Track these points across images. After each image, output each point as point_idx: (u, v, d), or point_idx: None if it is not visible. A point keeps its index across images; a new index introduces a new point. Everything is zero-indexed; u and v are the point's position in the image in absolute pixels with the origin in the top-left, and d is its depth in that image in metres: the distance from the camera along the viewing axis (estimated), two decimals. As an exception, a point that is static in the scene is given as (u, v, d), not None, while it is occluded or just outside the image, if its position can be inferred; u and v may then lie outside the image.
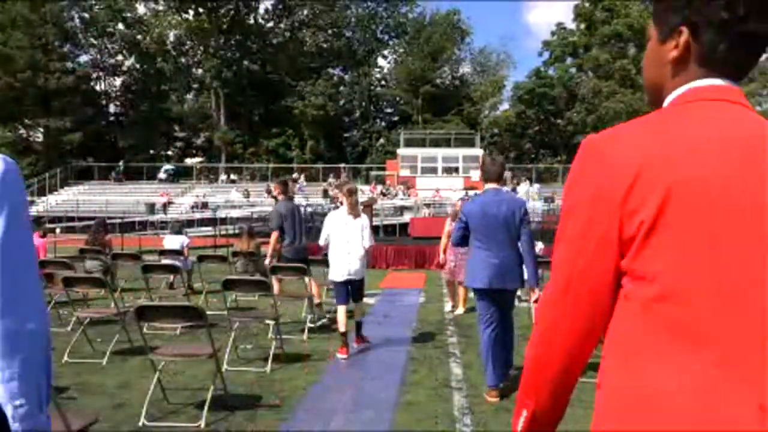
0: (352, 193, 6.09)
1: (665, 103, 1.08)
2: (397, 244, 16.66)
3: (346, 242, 5.93)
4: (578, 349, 1.07)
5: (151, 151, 43.67)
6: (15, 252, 1.26)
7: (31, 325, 1.28)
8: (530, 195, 25.88)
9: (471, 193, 21.66)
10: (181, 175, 36.40)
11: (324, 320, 7.50)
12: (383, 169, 35.70)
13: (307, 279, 7.30)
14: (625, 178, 0.95)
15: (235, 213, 25.38)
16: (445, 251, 8.49)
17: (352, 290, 6.07)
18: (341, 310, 6.02)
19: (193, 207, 28.48)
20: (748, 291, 0.91)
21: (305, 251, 7.66)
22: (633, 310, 0.98)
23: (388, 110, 50.17)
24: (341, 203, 6.37)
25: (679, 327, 0.94)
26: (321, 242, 6.17)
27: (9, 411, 1.26)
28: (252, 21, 46.27)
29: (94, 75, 44.39)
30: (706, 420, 0.91)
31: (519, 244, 4.62)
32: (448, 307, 8.67)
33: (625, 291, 1.00)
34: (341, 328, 5.97)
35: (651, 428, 0.94)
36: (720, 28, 1.00)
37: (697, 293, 0.93)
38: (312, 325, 6.98)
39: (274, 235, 7.41)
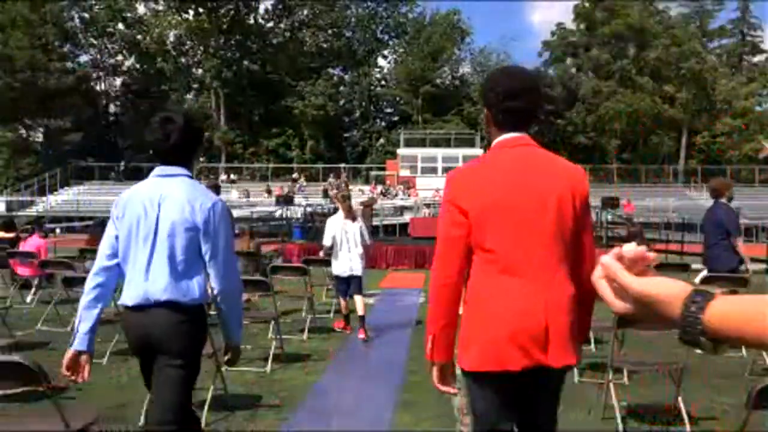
0: (345, 198, 6.81)
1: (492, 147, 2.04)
2: (397, 244, 16.67)
3: (347, 243, 6.57)
4: (458, 287, 1.93)
5: (151, 151, 43.62)
6: (229, 249, 2.50)
7: (237, 287, 2.60)
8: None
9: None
10: (181, 175, 36.33)
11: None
12: (383, 169, 35.71)
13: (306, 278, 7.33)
14: (460, 194, 1.92)
15: (235, 213, 25.19)
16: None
17: (352, 285, 6.65)
18: (344, 301, 6.82)
19: (193, 207, 28.42)
20: (535, 246, 1.87)
21: None
22: (477, 262, 1.93)
23: (388, 110, 50.14)
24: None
25: (499, 267, 1.89)
26: (326, 243, 6.65)
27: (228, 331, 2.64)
28: (252, 21, 46.22)
29: (94, 75, 44.36)
30: (513, 309, 1.86)
31: None
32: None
33: (474, 254, 1.93)
34: (344, 311, 6.92)
35: (485, 315, 1.90)
36: (495, 107, 1.99)
37: (506, 250, 1.87)
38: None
39: None
